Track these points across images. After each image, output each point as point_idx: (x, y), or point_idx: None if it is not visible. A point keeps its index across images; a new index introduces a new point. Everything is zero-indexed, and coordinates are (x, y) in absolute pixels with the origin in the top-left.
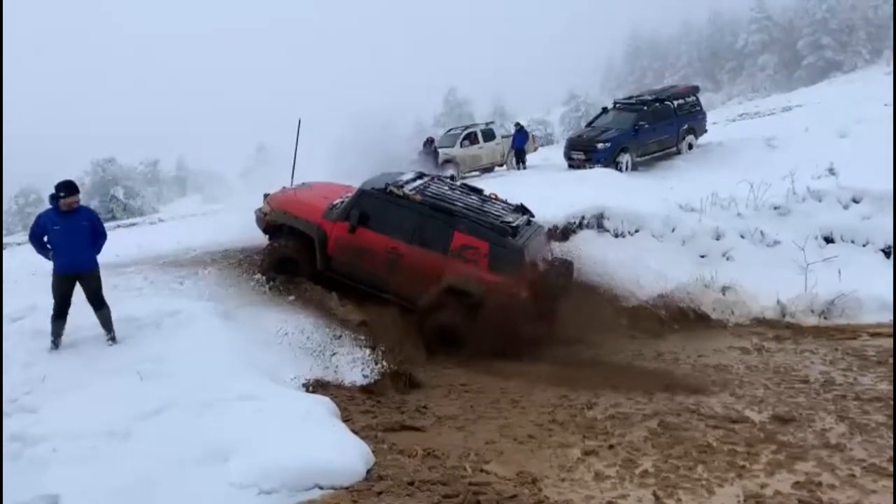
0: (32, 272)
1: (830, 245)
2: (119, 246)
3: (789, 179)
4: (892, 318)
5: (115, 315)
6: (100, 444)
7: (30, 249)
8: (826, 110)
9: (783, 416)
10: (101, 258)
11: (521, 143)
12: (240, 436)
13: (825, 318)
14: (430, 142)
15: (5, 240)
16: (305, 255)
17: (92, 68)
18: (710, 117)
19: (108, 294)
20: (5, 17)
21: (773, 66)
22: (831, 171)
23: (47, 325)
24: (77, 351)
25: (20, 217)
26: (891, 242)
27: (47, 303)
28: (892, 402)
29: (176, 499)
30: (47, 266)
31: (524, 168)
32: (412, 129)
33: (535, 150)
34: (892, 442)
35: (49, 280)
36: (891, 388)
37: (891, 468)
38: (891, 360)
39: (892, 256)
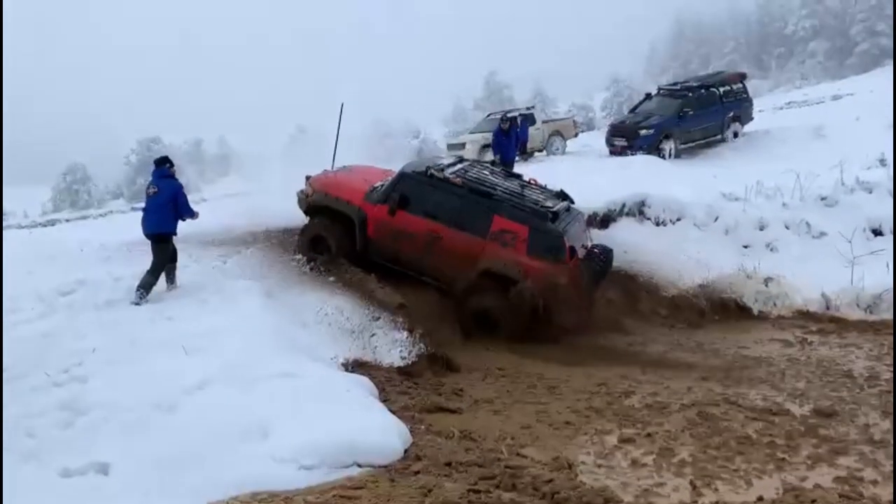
0: (81, 248)
1: (879, 238)
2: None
3: (838, 170)
4: None
5: (162, 291)
6: (147, 415)
7: (80, 226)
8: (878, 99)
9: (825, 409)
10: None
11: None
12: (281, 412)
13: (871, 312)
14: (506, 119)
15: (55, 216)
16: (334, 233)
17: (136, 51)
18: (757, 105)
19: None
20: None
21: (824, 53)
22: (882, 162)
23: (96, 298)
24: (125, 325)
25: (68, 194)
26: None
27: (95, 277)
28: None
29: (219, 470)
30: (94, 242)
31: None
32: (451, 111)
33: (576, 135)
34: None
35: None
36: None
37: None
38: None
39: None
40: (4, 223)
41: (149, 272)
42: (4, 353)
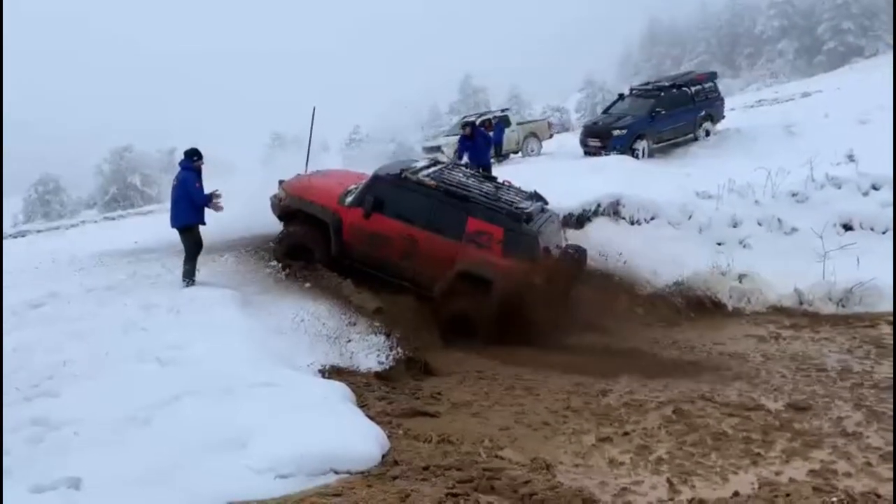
0: (52, 259)
1: (849, 232)
2: (137, 233)
3: (808, 166)
4: None
5: (135, 302)
6: (121, 428)
7: (52, 237)
8: (846, 96)
9: (799, 404)
10: (120, 244)
11: (500, 136)
12: (257, 421)
13: (843, 306)
14: (466, 125)
15: (26, 227)
16: (317, 241)
17: (107, 67)
18: (728, 103)
19: (127, 281)
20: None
21: (793, 52)
22: (851, 158)
23: (68, 312)
24: (97, 337)
25: (40, 204)
26: None
27: (67, 289)
28: None
29: (195, 483)
30: (66, 254)
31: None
32: (427, 115)
33: (551, 137)
34: None
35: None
36: None
37: None
38: None
39: None
40: None
41: (184, 262)
42: None
